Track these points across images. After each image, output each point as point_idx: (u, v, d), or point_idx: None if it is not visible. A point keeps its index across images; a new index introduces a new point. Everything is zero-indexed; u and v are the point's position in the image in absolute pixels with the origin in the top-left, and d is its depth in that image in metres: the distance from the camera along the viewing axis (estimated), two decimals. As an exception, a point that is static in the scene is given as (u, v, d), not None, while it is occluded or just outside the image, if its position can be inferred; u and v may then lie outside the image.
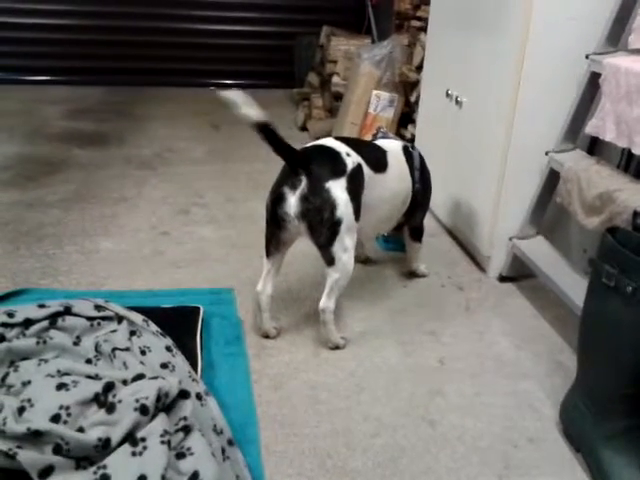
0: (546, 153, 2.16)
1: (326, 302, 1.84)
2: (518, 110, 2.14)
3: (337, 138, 1.94)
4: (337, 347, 1.92)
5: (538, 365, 1.91)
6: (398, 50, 3.48)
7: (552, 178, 2.15)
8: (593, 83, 1.99)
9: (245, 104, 1.64)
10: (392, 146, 2.13)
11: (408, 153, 2.17)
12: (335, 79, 4.04)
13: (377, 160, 1.96)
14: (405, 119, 3.53)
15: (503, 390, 1.80)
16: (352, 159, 1.83)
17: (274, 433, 1.57)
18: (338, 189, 1.76)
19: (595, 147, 2.17)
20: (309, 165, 1.76)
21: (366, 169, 1.88)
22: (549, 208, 2.27)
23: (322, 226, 1.76)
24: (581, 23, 2.05)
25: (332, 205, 1.74)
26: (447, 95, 2.63)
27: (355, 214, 1.80)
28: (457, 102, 2.55)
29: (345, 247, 1.80)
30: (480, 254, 2.46)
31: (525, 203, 2.26)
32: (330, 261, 1.81)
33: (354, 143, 1.94)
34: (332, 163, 1.79)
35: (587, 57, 2.01)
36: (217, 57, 5.30)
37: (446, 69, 2.74)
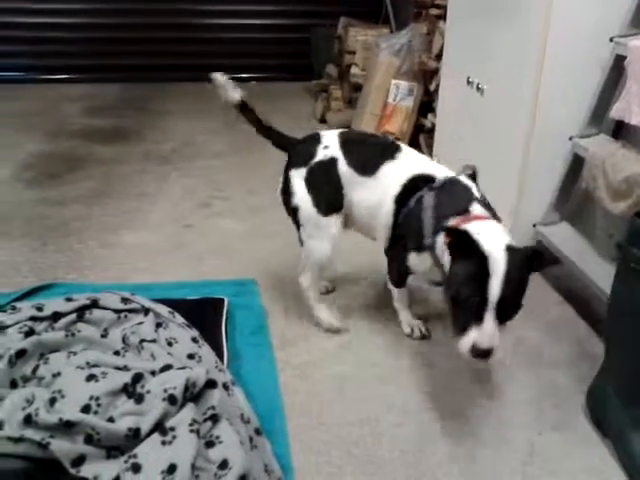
0: (570, 138, 2.13)
1: (301, 277, 1.94)
2: (541, 95, 2.12)
3: (343, 132, 1.87)
4: (330, 330, 1.95)
5: (563, 352, 1.89)
6: (417, 39, 3.45)
7: (576, 164, 2.13)
8: (618, 66, 1.96)
9: (227, 85, 1.80)
10: (404, 169, 1.74)
11: (414, 185, 1.70)
12: (354, 70, 4.02)
13: (365, 162, 1.77)
14: (425, 108, 3.50)
15: (528, 377, 1.78)
16: (326, 152, 1.79)
17: (301, 422, 1.57)
18: (296, 178, 1.81)
19: (620, 131, 2.14)
20: (289, 151, 1.86)
21: (344, 166, 1.78)
22: (573, 194, 2.24)
23: (288, 209, 1.87)
24: (604, 5, 2.01)
25: (290, 193, 1.82)
26: (468, 82, 2.60)
27: (317, 207, 1.79)
28: (478, 89, 2.52)
29: (309, 234, 1.85)
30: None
31: (549, 189, 2.23)
32: (300, 242, 1.91)
33: (356, 139, 1.86)
34: (302, 152, 1.82)
35: (611, 40, 1.98)
36: (235, 51, 5.30)
37: (466, 56, 2.71)
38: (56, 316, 1.66)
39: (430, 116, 3.40)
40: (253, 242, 2.52)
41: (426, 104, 3.50)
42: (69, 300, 1.72)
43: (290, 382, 1.72)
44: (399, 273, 1.84)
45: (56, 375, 1.43)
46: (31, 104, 4.55)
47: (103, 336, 1.62)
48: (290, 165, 1.83)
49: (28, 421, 1.26)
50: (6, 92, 4.77)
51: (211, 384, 1.41)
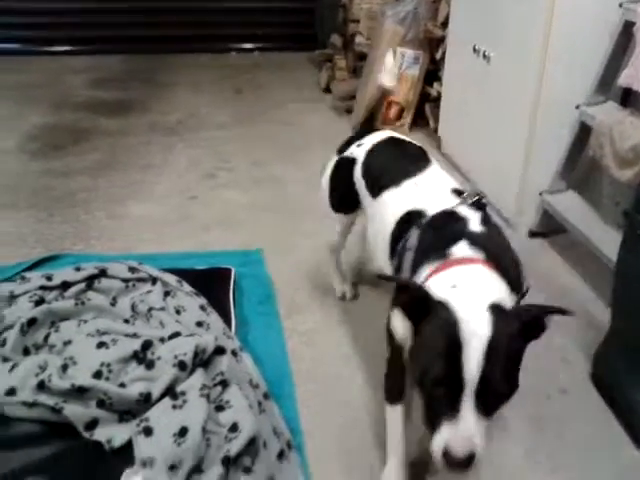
0: (577, 107, 2.11)
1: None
2: (548, 63, 2.09)
3: (384, 139, 1.64)
4: (341, 298, 1.99)
5: (571, 319, 1.89)
6: (423, 6, 3.40)
7: (583, 132, 2.11)
8: (626, 32, 1.94)
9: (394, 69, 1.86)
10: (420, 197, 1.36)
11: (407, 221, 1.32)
12: (358, 39, 3.97)
13: (375, 179, 1.52)
14: (431, 77, 3.47)
15: (535, 344, 1.79)
16: (353, 151, 1.65)
17: (309, 388, 1.60)
18: (331, 162, 1.77)
19: (628, 98, 2.12)
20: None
21: (358, 174, 1.60)
22: (580, 162, 2.23)
23: None
24: (613, -31, 1.98)
25: (323, 172, 1.80)
26: (474, 50, 2.57)
27: (330, 199, 1.77)
28: (485, 57, 2.50)
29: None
30: (509, 210, 2.44)
31: (555, 158, 2.22)
32: None
33: (384, 149, 1.61)
34: (346, 140, 1.76)
35: (621, 5, 1.95)
36: (238, 21, 5.22)
37: (473, 24, 2.68)
38: (65, 285, 1.68)
39: (436, 85, 3.36)
40: (258, 213, 2.53)
41: (432, 73, 3.46)
42: (78, 270, 1.74)
43: (297, 349, 1.74)
44: (390, 358, 1.33)
45: (67, 343, 1.46)
46: (34, 76, 4.52)
47: (112, 304, 1.65)
48: (338, 147, 1.77)
49: (41, 387, 1.29)
50: (8, 64, 4.73)
51: (220, 351, 1.44)
